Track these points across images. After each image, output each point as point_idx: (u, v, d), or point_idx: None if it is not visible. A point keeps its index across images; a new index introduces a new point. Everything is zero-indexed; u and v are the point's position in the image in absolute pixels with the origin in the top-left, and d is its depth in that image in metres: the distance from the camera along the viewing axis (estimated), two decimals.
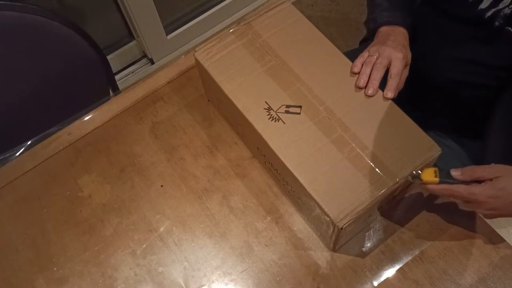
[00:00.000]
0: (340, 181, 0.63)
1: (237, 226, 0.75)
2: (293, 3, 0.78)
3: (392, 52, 0.72)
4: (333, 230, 0.63)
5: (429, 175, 0.63)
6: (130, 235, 0.76)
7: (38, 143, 0.85)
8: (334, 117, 0.67)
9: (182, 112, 0.86)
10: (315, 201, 0.62)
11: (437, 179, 0.63)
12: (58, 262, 0.75)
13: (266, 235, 0.74)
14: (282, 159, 0.65)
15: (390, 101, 0.69)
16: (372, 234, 0.73)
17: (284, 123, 0.68)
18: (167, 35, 1.65)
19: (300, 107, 0.69)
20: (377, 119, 0.67)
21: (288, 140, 0.66)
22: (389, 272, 0.70)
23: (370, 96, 0.69)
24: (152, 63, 1.71)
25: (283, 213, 0.76)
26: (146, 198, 0.79)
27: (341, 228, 0.61)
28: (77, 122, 0.87)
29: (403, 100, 0.73)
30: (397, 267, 0.71)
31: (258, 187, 0.78)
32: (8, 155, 0.85)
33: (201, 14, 1.70)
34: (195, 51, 0.75)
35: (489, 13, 0.72)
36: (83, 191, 0.80)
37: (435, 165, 0.68)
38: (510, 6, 0.71)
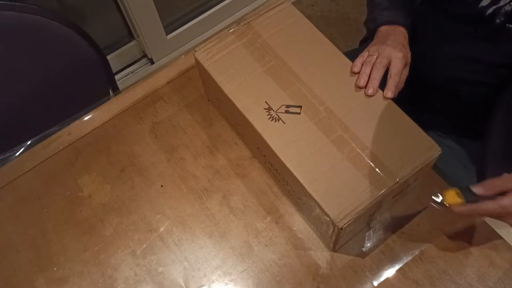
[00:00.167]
0: (340, 181, 0.63)
1: (237, 226, 0.75)
2: (293, 3, 0.78)
3: (392, 52, 0.72)
4: (333, 230, 0.63)
5: (452, 197, 0.60)
6: (130, 235, 0.76)
7: (38, 143, 0.85)
8: (334, 117, 0.67)
9: (182, 112, 0.86)
10: (315, 201, 0.62)
11: (461, 200, 0.59)
12: (58, 262, 0.75)
13: (266, 235, 0.74)
14: (282, 159, 0.65)
15: (390, 101, 0.69)
16: (372, 234, 0.73)
17: (284, 123, 0.68)
18: (167, 35, 1.65)
19: (300, 107, 0.69)
20: (377, 119, 0.67)
21: (288, 140, 0.66)
22: (389, 272, 0.70)
23: (370, 96, 0.69)
24: (152, 63, 1.71)
25: (283, 213, 0.76)
26: (146, 198, 0.79)
27: (341, 228, 0.61)
28: (77, 122, 0.87)
29: (403, 100, 0.73)
30: (397, 267, 0.71)
31: (258, 187, 0.78)
32: (8, 155, 0.85)
33: (201, 14, 1.70)
34: (195, 51, 0.75)
35: (489, 11, 0.72)
36: (83, 191, 0.80)
37: (435, 165, 0.68)
38: (511, 3, 0.71)
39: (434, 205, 0.62)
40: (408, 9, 0.82)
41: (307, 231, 0.74)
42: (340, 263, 0.71)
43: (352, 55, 0.74)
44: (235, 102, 0.70)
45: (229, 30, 0.76)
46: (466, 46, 0.79)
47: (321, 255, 0.72)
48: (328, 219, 0.62)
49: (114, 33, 1.59)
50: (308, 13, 1.82)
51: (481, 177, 0.89)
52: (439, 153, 0.65)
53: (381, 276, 0.70)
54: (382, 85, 0.70)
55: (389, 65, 0.72)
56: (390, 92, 0.69)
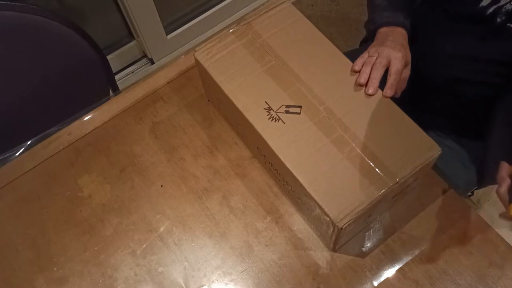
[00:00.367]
0: (340, 181, 0.63)
1: (237, 226, 0.75)
2: (293, 3, 0.78)
3: (391, 52, 0.72)
4: (333, 230, 0.63)
5: None
6: (130, 235, 0.76)
7: (38, 143, 0.85)
8: (334, 117, 0.67)
9: (182, 112, 0.86)
10: (315, 201, 0.62)
11: None
12: (58, 262, 0.75)
13: (266, 235, 0.74)
14: (282, 159, 0.65)
15: (390, 101, 0.69)
16: (372, 234, 0.73)
17: (284, 123, 0.68)
18: (167, 35, 1.65)
19: (300, 107, 0.69)
20: (377, 119, 0.67)
21: (288, 140, 0.66)
22: (389, 272, 0.70)
23: (370, 95, 0.69)
24: (152, 63, 1.71)
25: (283, 213, 0.76)
26: (146, 198, 0.79)
27: (341, 228, 0.61)
28: (77, 122, 0.87)
29: (403, 100, 0.73)
30: (397, 267, 0.71)
31: (258, 187, 0.78)
32: (8, 155, 0.85)
33: (201, 14, 1.70)
34: (195, 51, 0.75)
35: (490, 10, 0.73)
36: (83, 191, 0.80)
37: (435, 165, 0.68)
38: (511, 2, 0.71)
39: (506, 219, 0.60)
40: (408, 9, 0.82)
41: (307, 231, 0.74)
42: (340, 263, 0.71)
43: (352, 55, 0.74)
44: (235, 102, 0.70)
45: (229, 30, 0.76)
46: (466, 46, 0.79)
47: (321, 255, 0.72)
48: (328, 219, 0.62)
49: (114, 33, 1.59)
50: (308, 13, 1.82)
51: (481, 177, 0.90)
52: (439, 153, 0.65)
53: (381, 276, 0.70)
54: (383, 85, 0.70)
55: (389, 65, 0.72)
56: (389, 90, 0.69)
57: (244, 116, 0.69)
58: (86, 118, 0.87)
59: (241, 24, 0.77)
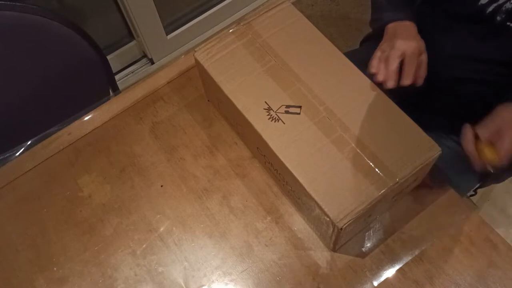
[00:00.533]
0: (340, 181, 0.63)
1: (237, 226, 0.75)
2: (293, 3, 0.78)
3: (403, 43, 0.73)
4: (333, 230, 0.63)
5: (490, 153, 0.64)
6: (130, 235, 0.76)
7: (38, 143, 0.85)
8: (334, 117, 0.67)
9: (182, 112, 0.86)
10: (315, 201, 0.62)
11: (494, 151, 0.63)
12: (58, 262, 0.75)
13: (266, 235, 0.74)
14: (282, 159, 0.65)
15: (390, 101, 0.69)
16: (372, 234, 0.73)
17: (284, 123, 0.68)
18: (167, 35, 1.65)
19: (300, 107, 0.69)
20: (377, 119, 0.67)
21: (288, 140, 0.66)
22: (389, 272, 0.70)
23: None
24: (152, 63, 1.71)
25: (283, 213, 0.76)
26: (146, 198, 0.79)
27: (341, 228, 0.61)
28: (77, 122, 0.87)
29: (403, 100, 0.73)
30: (397, 267, 0.71)
31: (258, 187, 0.78)
32: (8, 155, 0.85)
33: (201, 14, 1.70)
34: (195, 51, 0.75)
35: (490, 9, 0.73)
36: (83, 191, 0.80)
37: (435, 165, 0.68)
38: (511, 1, 0.71)
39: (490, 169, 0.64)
40: (410, 7, 0.82)
41: (307, 231, 0.74)
42: (340, 263, 0.71)
43: (352, 55, 0.74)
44: (235, 102, 0.70)
45: (229, 30, 0.76)
46: (467, 45, 0.79)
47: (321, 255, 0.72)
48: (328, 219, 0.62)
49: (114, 33, 1.59)
50: (308, 13, 1.82)
51: (481, 177, 0.90)
52: (439, 153, 0.65)
53: (381, 276, 0.70)
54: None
55: (404, 55, 0.72)
56: (406, 79, 0.70)
57: (244, 116, 0.69)
58: (86, 118, 0.87)
59: (241, 24, 0.77)
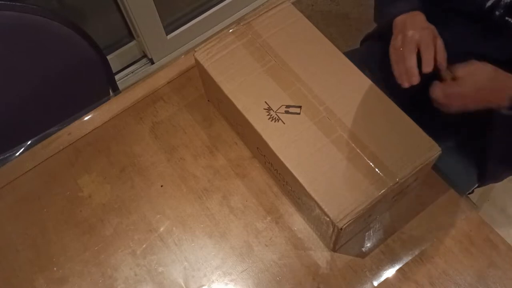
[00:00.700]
0: (340, 181, 0.63)
1: (237, 226, 0.75)
2: (293, 3, 0.78)
3: (416, 32, 0.72)
4: (333, 230, 0.63)
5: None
6: (130, 235, 0.76)
7: (38, 143, 0.85)
8: (334, 117, 0.67)
9: (182, 112, 0.86)
10: (315, 201, 0.62)
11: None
12: (58, 262, 0.75)
13: (266, 235, 0.74)
14: (282, 159, 0.65)
15: (390, 101, 0.69)
16: (372, 234, 0.73)
17: (284, 123, 0.68)
18: (167, 35, 1.65)
19: (300, 107, 0.69)
20: (377, 119, 0.67)
21: (288, 140, 0.66)
22: (389, 272, 0.70)
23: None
24: (152, 63, 1.71)
25: (283, 213, 0.76)
26: (146, 198, 0.79)
27: (341, 228, 0.61)
28: (77, 122, 0.87)
29: (403, 100, 0.73)
30: (397, 267, 0.71)
31: (258, 187, 0.78)
32: (8, 155, 0.85)
33: (201, 14, 1.70)
34: (195, 51, 0.75)
35: (489, 3, 0.73)
36: (83, 191, 0.80)
37: (435, 165, 0.68)
38: None
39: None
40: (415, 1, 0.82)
41: (307, 231, 0.74)
42: (340, 263, 0.71)
43: (352, 55, 0.73)
44: (235, 102, 0.70)
45: (229, 30, 0.76)
46: (466, 43, 0.79)
47: (321, 255, 0.72)
48: (328, 219, 0.62)
49: (114, 33, 1.59)
50: (308, 13, 1.82)
51: (481, 177, 0.90)
52: (439, 153, 0.65)
53: (381, 276, 0.70)
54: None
55: (419, 45, 0.72)
56: (427, 66, 0.69)
57: (244, 116, 0.69)
58: (86, 118, 0.87)
59: (241, 24, 0.77)
